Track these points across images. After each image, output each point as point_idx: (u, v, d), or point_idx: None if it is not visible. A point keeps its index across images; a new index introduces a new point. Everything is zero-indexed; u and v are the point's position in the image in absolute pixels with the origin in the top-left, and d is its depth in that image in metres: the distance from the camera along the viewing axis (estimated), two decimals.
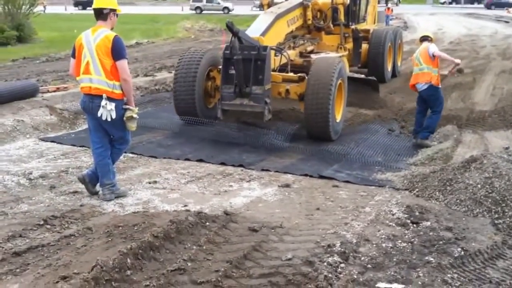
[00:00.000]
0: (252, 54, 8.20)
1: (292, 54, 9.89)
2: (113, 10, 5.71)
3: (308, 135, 8.62)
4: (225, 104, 8.42)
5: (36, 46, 21.08)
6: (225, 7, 52.33)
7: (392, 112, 10.42)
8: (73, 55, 5.77)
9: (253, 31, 9.08)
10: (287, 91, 8.76)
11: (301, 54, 10.49)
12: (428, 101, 8.65)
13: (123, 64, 5.54)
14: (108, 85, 5.54)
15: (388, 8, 30.39)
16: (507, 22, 35.40)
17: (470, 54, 18.93)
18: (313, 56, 10.23)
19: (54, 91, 10.90)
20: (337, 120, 8.77)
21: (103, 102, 5.54)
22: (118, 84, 5.56)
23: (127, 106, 5.66)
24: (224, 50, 8.49)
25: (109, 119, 5.57)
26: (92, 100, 5.62)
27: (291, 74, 9.09)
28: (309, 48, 10.94)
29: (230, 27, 7.96)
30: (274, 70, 8.99)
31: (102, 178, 5.87)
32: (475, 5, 63.85)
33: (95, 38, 5.55)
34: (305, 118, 8.52)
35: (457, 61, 8.90)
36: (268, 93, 8.36)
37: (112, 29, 5.73)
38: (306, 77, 8.56)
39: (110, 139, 5.91)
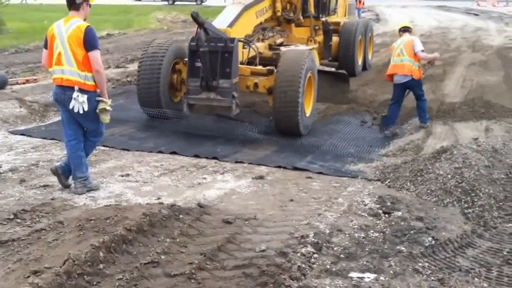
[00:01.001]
0: (219, 46, 7.97)
1: (261, 46, 9.69)
2: (86, 1, 5.61)
3: (277, 130, 8.43)
4: (191, 98, 8.20)
5: (5, 37, 20.57)
6: None
7: (365, 104, 10.48)
8: (45, 46, 5.69)
9: (220, 23, 8.78)
10: (256, 84, 8.53)
11: (270, 47, 10.29)
12: (413, 91, 8.84)
13: (95, 54, 5.45)
14: (80, 76, 5.46)
15: (359, 2, 30.15)
16: (476, 14, 35.91)
17: (441, 47, 19.16)
18: (282, 48, 9.99)
19: (24, 83, 10.70)
20: (307, 115, 8.58)
21: (75, 94, 5.46)
22: (90, 75, 5.48)
23: (100, 98, 5.58)
24: (189, 42, 8.25)
25: (81, 111, 5.50)
26: (64, 91, 5.54)
27: (260, 67, 8.86)
28: (279, 41, 10.72)
29: (195, 18, 7.73)
30: (242, 63, 8.78)
31: (75, 171, 5.79)
32: None
33: (67, 28, 5.46)
34: (274, 112, 8.33)
35: (436, 55, 9.22)
36: (236, 86, 8.17)
37: (85, 19, 5.64)
38: (275, 70, 8.36)
39: (84, 131, 5.83)
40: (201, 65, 7.94)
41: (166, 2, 49.24)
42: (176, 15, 31.53)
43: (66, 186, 5.89)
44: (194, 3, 46.93)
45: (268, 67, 8.64)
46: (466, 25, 28.36)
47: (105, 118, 5.65)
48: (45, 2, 42.07)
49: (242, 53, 8.90)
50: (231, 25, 8.71)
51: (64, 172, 5.85)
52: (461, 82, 12.68)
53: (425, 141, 8.11)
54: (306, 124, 8.49)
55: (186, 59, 8.52)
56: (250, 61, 9.10)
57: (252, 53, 9.12)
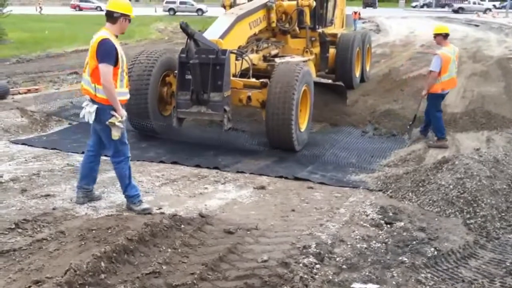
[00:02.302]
0: (210, 58, 7.64)
1: (255, 58, 9.39)
2: (125, 16, 5.48)
3: (270, 145, 8.12)
4: (181, 112, 7.88)
5: (6, 47, 20.67)
6: (199, 9, 52.20)
7: (366, 114, 10.49)
8: None
9: (212, 34, 8.44)
10: (249, 98, 8.14)
11: (265, 58, 9.95)
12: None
13: (103, 68, 5.28)
14: (91, 87, 5.41)
15: (355, 13, 29.66)
16: (477, 25, 36.10)
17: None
18: (277, 60, 9.74)
19: (25, 92, 10.74)
20: (302, 130, 8.26)
21: (85, 103, 5.46)
22: (100, 88, 5.36)
23: (113, 113, 5.37)
24: (179, 54, 7.91)
25: (90, 121, 5.46)
26: (85, 100, 5.56)
27: (253, 79, 8.47)
28: (274, 52, 10.38)
29: (184, 29, 7.47)
30: (235, 76, 8.46)
31: (82, 180, 5.78)
32: (446, 9, 64.93)
33: (93, 38, 5.43)
34: (266, 127, 7.98)
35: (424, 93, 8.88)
36: (228, 100, 7.82)
37: (122, 33, 5.56)
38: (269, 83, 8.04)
39: (104, 145, 5.70)
40: (192, 78, 7.65)
41: (167, 13, 49.50)
42: (177, 25, 31.51)
43: (97, 198, 5.93)
44: (195, 13, 47.21)
45: (261, 80, 8.27)
46: (466, 35, 28.50)
47: (114, 134, 5.39)
48: (47, 12, 42.26)
49: (235, 65, 8.61)
50: (223, 36, 8.39)
51: (88, 184, 5.87)
52: (462, 93, 12.71)
53: (426, 152, 8.11)
54: (301, 139, 8.20)
55: (176, 71, 8.14)
56: (244, 73, 8.80)
57: (246, 65, 8.79)
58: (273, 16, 10.44)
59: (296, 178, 7.04)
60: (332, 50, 12.35)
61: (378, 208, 5.86)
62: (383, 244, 4.96)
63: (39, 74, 14.16)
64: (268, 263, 4.48)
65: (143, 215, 5.42)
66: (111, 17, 5.47)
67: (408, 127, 9.18)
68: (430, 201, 5.98)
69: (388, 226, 5.41)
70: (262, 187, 6.61)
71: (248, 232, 5.15)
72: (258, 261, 4.53)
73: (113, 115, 5.37)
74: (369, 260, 4.64)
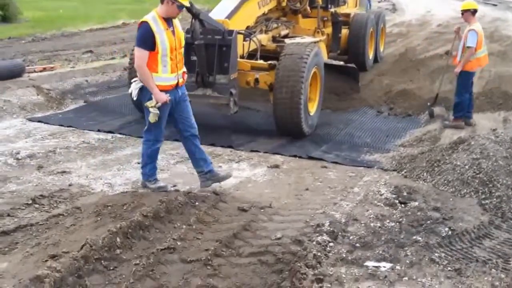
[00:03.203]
0: (216, 39, 7.31)
1: (264, 38, 9.01)
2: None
3: (278, 130, 7.85)
4: None
5: (21, 26, 20.68)
6: None
7: (381, 94, 10.39)
8: None
9: (218, 13, 8.13)
10: (256, 80, 7.86)
11: (274, 39, 9.54)
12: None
13: (136, 52, 5.26)
14: None
15: None
16: (494, 5, 35.42)
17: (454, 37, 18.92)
18: (287, 40, 9.32)
19: (41, 71, 10.76)
20: (311, 113, 7.97)
21: (134, 79, 5.43)
22: None
23: (152, 96, 5.31)
24: (185, 34, 8.02)
25: (134, 98, 5.47)
26: None
27: (261, 61, 8.18)
28: (284, 32, 9.95)
29: (189, 8, 7.01)
30: (242, 57, 8.16)
31: (193, 165, 5.76)
32: None
33: None
34: (274, 111, 7.73)
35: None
36: (234, 82, 7.51)
37: (171, 16, 5.35)
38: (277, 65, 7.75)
39: (186, 122, 5.70)
40: (197, 59, 7.36)
41: None
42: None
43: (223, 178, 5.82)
44: None
45: (269, 62, 8.02)
46: (484, 15, 27.96)
47: (151, 117, 5.33)
48: None
49: (243, 46, 8.27)
50: (229, 16, 8.08)
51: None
52: (479, 73, 12.46)
53: (442, 132, 8.04)
54: (310, 123, 7.93)
55: None
56: (253, 54, 8.49)
57: (253, 46, 8.48)
58: None
59: (310, 157, 7.03)
60: (344, 31, 11.91)
61: (392, 188, 5.84)
62: (397, 224, 4.96)
63: (54, 52, 14.17)
64: (281, 241, 4.50)
65: (158, 192, 5.45)
66: None
67: (430, 106, 9.01)
68: (445, 181, 5.95)
69: (402, 205, 5.40)
70: (276, 166, 6.62)
71: (262, 210, 5.18)
72: (271, 238, 4.56)
73: (151, 98, 5.28)
74: (382, 239, 4.65)
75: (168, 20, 5.32)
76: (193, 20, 7.37)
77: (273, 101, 7.75)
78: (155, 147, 5.61)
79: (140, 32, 5.22)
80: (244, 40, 8.34)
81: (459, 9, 8.95)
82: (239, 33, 7.91)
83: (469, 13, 8.32)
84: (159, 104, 5.26)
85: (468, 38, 8.22)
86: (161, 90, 5.28)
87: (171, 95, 5.39)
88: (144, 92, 5.31)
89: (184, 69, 5.67)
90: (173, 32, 5.32)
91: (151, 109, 5.27)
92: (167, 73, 5.34)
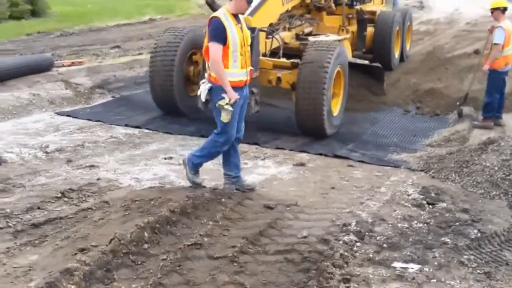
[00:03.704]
0: None
1: (287, 36, 8.86)
2: None
3: (300, 130, 7.70)
4: None
5: (50, 20, 20.98)
6: None
7: (408, 93, 10.27)
8: None
9: None
10: (278, 79, 7.73)
11: (298, 37, 9.32)
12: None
13: (210, 46, 5.13)
14: (207, 66, 5.32)
15: None
16: None
17: (488, 36, 18.63)
18: (311, 38, 9.14)
19: (69, 65, 10.90)
20: (334, 114, 7.82)
21: (202, 81, 5.36)
22: None
23: (224, 95, 5.14)
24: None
25: (203, 100, 5.30)
26: None
27: (284, 59, 8.03)
28: (307, 30, 9.72)
29: (210, 4, 7.06)
30: (264, 55, 8.03)
31: (224, 166, 5.63)
32: None
33: None
34: (296, 111, 7.60)
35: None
36: (256, 81, 7.27)
37: (240, 12, 5.34)
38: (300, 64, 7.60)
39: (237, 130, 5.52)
40: None
41: None
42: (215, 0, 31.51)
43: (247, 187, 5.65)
44: None
45: (292, 60, 7.89)
46: None
47: (223, 116, 5.16)
48: None
49: (265, 44, 8.13)
50: (252, 13, 7.82)
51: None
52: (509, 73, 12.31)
53: (470, 132, 7.93)
54: (333, 124, 7.79)
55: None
56: (275, 52, 8.34)
57: (276, 44, 8.33)
58: None
59: (336, 156, 7.00)
60: (370, 29, 11.64)
61: (420, 188, 5.78)
62: (425, 225, 4.91)
63: (82, 47, 14.34)
64: (308, 239, 4.49)
65: (185, 188, 5.48)
66: None
67: (459, 105, 8.87)
68: (474, 183, 5.88)
69: (430, 206, 5.34)
70: (302, 164, 6.60)
71: (288, 208, 5.17)
72: (297, 237, 4.54)
73: (223, 97, 5.16)
74: (410, 240, 4.60)
75: (236, 16, 5.30)
76: None
77: (295, 101, 7.62)
78: (222, 150, 5.48)
79: (212, 26, 5.15)
80: (267, 37, 8.21)
81: (488, 7, 8.82)
82: (261, 30, 7.79)
83: (498, 11, 8.19)
84: (232, 101, 5.15)
85: (495, 35, 8.12)
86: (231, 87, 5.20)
87: (241, 93, 5.29)
88: (214, 92, 5.19)
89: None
90: (241, 28, 5.29)
91: (225, 107, 5.10)
92: (237, 69, 5.27)
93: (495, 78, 8.21)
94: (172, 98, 8.12)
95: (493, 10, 8.28)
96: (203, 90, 5.26)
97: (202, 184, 5.60)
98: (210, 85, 5.21)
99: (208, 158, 5.57)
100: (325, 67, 7.38)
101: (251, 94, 7.04)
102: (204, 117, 8.26)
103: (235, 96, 5.15)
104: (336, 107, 8.02)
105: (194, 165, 5.52)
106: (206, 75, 5.32)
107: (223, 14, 5.21)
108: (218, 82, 5.15)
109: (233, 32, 5.16)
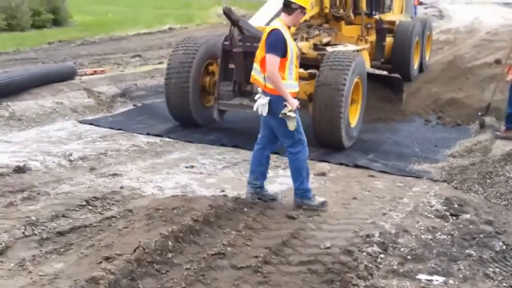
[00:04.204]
0: (255, 47, 7.00)
1: (305, 46, 8.64)
2: (303, 8, 5.36)
3: (317, 141, 7.50)
4: (222, 104, 7.47)
5: (72, 29, 21.30)
6: None
7: (429, 103, 10.21)
8: None
9: (258, 20, 7.86)
10: None
11: (316, 47, 9.13)
12: None
13: (269, 58, 5.14)
14: (261, 78, 5.31)
15: None
16: None
17: (508, 45, 18.43)
18: (329, 48, 8.98)
19: (92, 74, 11.06)
20: (352, 125, 7.65)
21: (257, 96, 5.31)
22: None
23: (285, 103, 5.17)
24: (223, 41, 7.44)
25: (263, 114, 5.29)
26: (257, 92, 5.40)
27: (301, 70, 7.69)
28: (325, 40, 9.52)
29: (228, 14, 6.91)
30: None
31: (251, 174, 5.64)
32: None
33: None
34: (313, 122, 7.40)
35: None
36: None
37: (294, 25, 5.45)
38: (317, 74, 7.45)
39: (273, 139, 5.57)
40: (235, 68, 7.21)
41: None
42: (235, 9, 31.67)
43: (272, 198, 5.66)
44: None
45: (309, 70, 7.73)
46: None
47: (290, 125, 5.19)
48: None
49: None
50: (269, 23, 7.69)
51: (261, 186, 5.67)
52: None
53: (493, 142, 7.84)
54: (351, 136, 7.66)
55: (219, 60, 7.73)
56: None
57: None
58: (327, 1, 9.66)
59: (357, 166, 6.98)
60: (389, 39, 11.44)
61: (443, 199, 5.73)
62: (449, 236, 4.86)
63: (103, 56, 14.53)
64: (331, 250, 4.47)
65: (207, 197, 5.50)
66: (288, 7, 5.31)
67: (481, 116, 8.78)
68: (498, 194, 5.81)
69: (454, 218, 5.29)
70: (323, 174, 6.60)
71: (310, 218, 5.16)
72: (320, 247, 4.53)
73: (285, 106, 5.15)
74: (434, 251, 4.56)
75: (289, 29, 5.37)
76: (232, 27, 7.23)
77: (312, 112, 7.45)
78: (306, 156, 5.48)
79: (272, 38, 5.18)
80: None
81: (508, 16, 8.82)
82: None
83: None
84: (295, 107, 5.18)
85: None
86: None
87: None
88: (274, 103, 5.19)
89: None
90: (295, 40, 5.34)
91: (289, 114, 5.13)
92: (292, 80, 5.33)
93: None
94: (187, 109, 8.05)
95: None
96: (261, 104, 5.23)
97: (219, 192, 5.65)
98: (268, 97, 5.20)
99: (306, 176, 5.48)
100: (344, 77, 7.22)
101: None
102: (223, 127, 8.35)
103: (296, 102, 5.21)
104: (354, 117, 7.89)
105: (307, 191, 5.47)
106: (259, 89, 5.29)
107: (281, 26, 5.25)
108: (276, 93, 5.17)
109: (291, 45, 5.24)
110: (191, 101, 7.98)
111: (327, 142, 7.53)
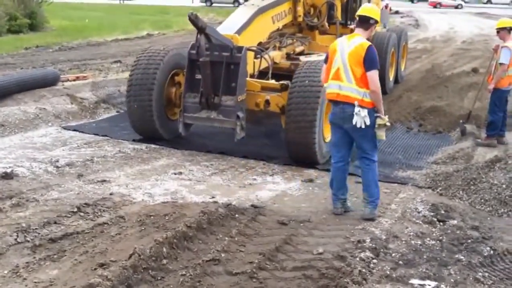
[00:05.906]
0: (224, 56, 6.75)
1: (277, 55, 8.39)
2: (377, 22, 5.55)
3: (290, 156, 7.23)
4: (188, 117, 7.04)
5: (48, 34, 21.09)
6: (236, 0, 52.16)
7: (410, 110, 10.37)
8: (325, 61, 5.64)
9: (227, 28, 7.50)
10: (267, 102, 7.21)
11: (289, 56, 8.92)
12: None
13: (373, 75, 5.25)
14: (359, 93, 5.27)
15: (386, 7, 28.42)
16: None
17: (483, 54, 18.83)
18: (302, 58, 8.76)
19: (74, 80, 10.97)
20: (327, 140, 7.15)
21: (357, 109, 5.25)
22: (368, 92, 5.27)
23: (378, 115, 5.30)
24: (189, 50, 7.03)
25: (363, 126, 5.29)
26: (343, 110, 5.35)
27: (273, 81, 7.56)
28: (299, 49, 9.34)
29: (193, 21, 6.40)
30: (252, 76, 7.59)
31: (338, 190, 5.64)
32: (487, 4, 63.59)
33: (349, 45, 5.37)
34: (285, 136, 7.10)
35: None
36: (242, 105, 6.94)
37: (368, 39, 5.52)
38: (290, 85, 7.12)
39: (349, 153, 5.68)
40: (201, 78, 6.82)
41: (204, 4, 49.72)
42: (213, 16, 31.76)
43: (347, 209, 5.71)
44: (231, 5, 47.10)
45: (281, 82, 7.37)
46: None
47: (382, 135, 5.38)
48: (86, 1, 42.85)
49: (253, 64, 7.69)
50: (239, 31, 7.44)
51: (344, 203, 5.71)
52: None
53: (475, 150, 8.01)
54: (325, 151, 7.22)
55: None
56: (265, 72, 7.85)
57: (265, 64, 7.84)
58: (300, 10, 9.39)
59: None
60: None
61: (429, 205, 5.83)
62: (438, 242, 4.96)
63: (83, 61, 14.42)
64: (324, 256, 4.52)
65: (197, 203, 5.51)
66: (366, 22, 5.45)
67: (462, 123, 8.95)
68: (482, 200, 5.95)
69: (441, 223, 5.40)
70: (310, 180, 6.66)
71: (301, 224, 5.21)
72: (313, 253, 4.58)
73: (378, 117, 5.31)
74: (424, 257, 4.65)
75: None
76: (199, 35, 6.83)
77: (284, 125, 7.12)
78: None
79: (373, 55, 5.30)
80: (255, 57, 7.77)
81: (482, 26, 9.06)
82: (249, 49, 7.35)
83: (505, 31, 8.29)
84: (387, 118, 5.36)
85: (501, 55, 8.20)
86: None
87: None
88: (370, 116, 5.30)
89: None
90: None
91: (387, 124, 5.37)
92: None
93: (499, 97, 8.32)
94: (151, 122, 7.60)
95: (499, 30, 8.38)
96: (362, 116, 5.27)
97: (209, 198, 5.71)
98: (366, 110, 5.27)
99: (378, 187, 5.63)
100: (317, 88, 6.81)
101: (237, 118, 6.85)
102: (210, 133, 8.32)
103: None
104: (329, 132, 7.43)
105: (376, 202, 5.57)
106: (356, 102, 5.26)
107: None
108: (371, 106, 5.30)
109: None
110: (155, 114, 7.54)
111: (300, 157, 7.16)
